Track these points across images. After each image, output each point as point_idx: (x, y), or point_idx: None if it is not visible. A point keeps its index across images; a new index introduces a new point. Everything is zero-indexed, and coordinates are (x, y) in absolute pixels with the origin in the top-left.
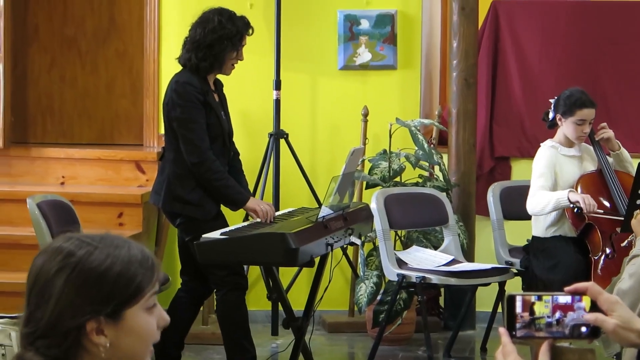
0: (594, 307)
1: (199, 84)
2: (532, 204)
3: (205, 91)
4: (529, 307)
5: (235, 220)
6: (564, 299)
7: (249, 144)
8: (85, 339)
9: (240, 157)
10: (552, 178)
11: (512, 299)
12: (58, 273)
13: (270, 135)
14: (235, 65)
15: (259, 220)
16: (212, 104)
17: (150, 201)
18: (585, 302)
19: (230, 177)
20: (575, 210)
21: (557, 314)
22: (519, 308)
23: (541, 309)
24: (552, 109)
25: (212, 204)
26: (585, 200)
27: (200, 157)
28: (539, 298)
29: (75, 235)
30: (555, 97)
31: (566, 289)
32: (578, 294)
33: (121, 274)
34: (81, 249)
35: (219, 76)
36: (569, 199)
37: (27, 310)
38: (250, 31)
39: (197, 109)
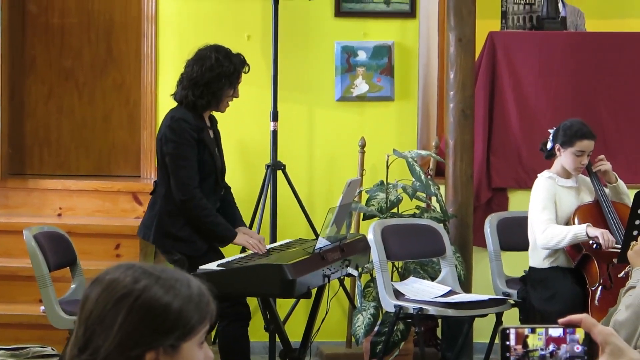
0: (588, 339)
1: (194, 121)
2: (547, 238)
3: (200, 128)
4: (522, 339)
5: (232, 251)
6: (558, 331)
7: (246, 175)
8: None
9: (237, 189)
10: (554, 210)
11: (505, 331)
12: (121, 301)
13: (268, 166)
14: (230, 102)
15: (255, 251)
16: (206, 141)
17: (138, 234)
18: (579, 334)
19: (218, 215)
20: (595, 246)
21: (551, 347)
22: (512, 341)
23: (535, 341)
24: (551, 139)
25: (202, 241)
26: (604, 236)
27: (187, 194)
28: (532, 331)
29: (137, 264)
30: (555, 127)
31: (560, 321)
32: (572, 326)
33: (183, 308)
34: (144, 278)
35: (214, 112)
36: (587, 234)
37: (83, 337)
38: (247, 69)
39: (190, 146)
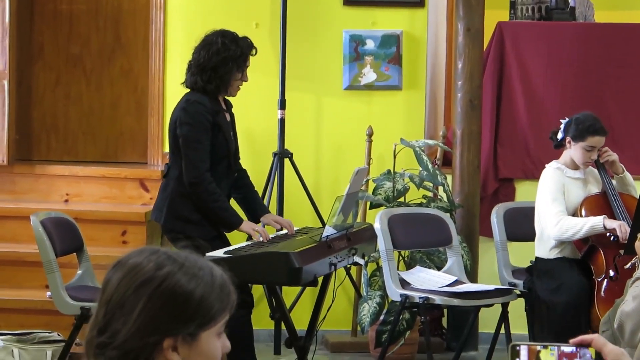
0: (599, 357)
1: (210, 104)
2: (561, 230)
3: (216, 111)
4: (535, 356)
5: (239, 239)
6: (570, 347)
7: (253, 163)
8: (159, 355)
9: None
10: (564, 201)
11: (515, 348)
12: (143, 287)
13: (275, 154)
14: (240, 87)
15: (261, 239)
16: (221, 125)
17: (151, 218)
18: (591, 351)
19: (226, 200)
20: (613, 238)
21: None
22: (524, 357)
23: (547, 357)
24: (563, 130)
25: (211, 226)
26: (622, 228)
27: (197, 177)
28: (545, 347)
29: (161, 249)
30: (567, 119)
31: (571, 341)
32: (583, 345)
33: (204, 297)
34: (168, 265)
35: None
36: (604, 226)
37: (103, 319)
38: (254, 51)
39: (204, 129)
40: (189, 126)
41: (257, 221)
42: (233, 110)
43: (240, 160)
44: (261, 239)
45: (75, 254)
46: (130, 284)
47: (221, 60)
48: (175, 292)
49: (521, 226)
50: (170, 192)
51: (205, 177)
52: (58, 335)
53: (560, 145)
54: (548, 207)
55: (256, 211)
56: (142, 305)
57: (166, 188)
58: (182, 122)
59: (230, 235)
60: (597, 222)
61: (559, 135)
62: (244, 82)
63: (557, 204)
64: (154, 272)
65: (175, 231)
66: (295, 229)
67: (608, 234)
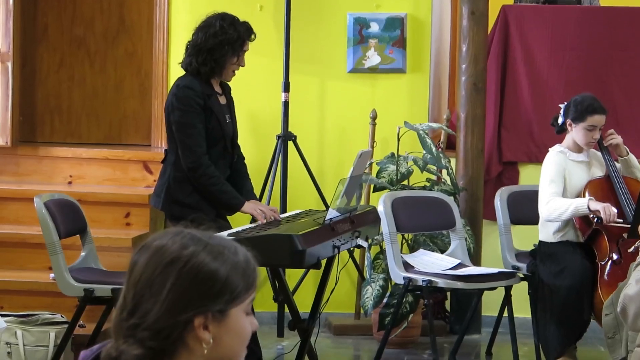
0: None
1: (201, 88)
2: (549, 211)
3: (207, 95)
4: None
5: (242, 221)
6: None
7: (257, 146)
8: (190, 335)
9: (248, 159)
10: (562, 184)
11: None
12: (170, 266)
13: (278, 137)
14: (236, 71)
15: (265, 221)
16: (213, 108)
17: (150, 203)
18: None
19: (226, 182)
20: (596, 220)
21: None
22: None
23: None
24: (562, 114)
25: (210, 208)
26: (605, 210)
27: (195, 161)
28: None
29: (185, 230)
30: (565, 102)
31: None
32: None
33: (230, 275)
34: (193, 245)
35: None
36: (588, 207)
37: (132, 301)
38: (253, 37)
39: (196, 113)
40: (180, 112)
41: None
42: (236, 92)
43: (240, 146)
44: (265, 220)
45: (78, 235)
46: (157, 264)
47: (217, 43)
48: (201, 270)
49: (525, 210)
50: (167, 177)
51: (203, 160)
52: (61, 317)
53: (562, 130)
54: (544, 188)
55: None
56: (170, 284)
57: (164, 174)
58: (174, 108)
59: (235, 218)
60: (582, 203)
61: (560, 120)
62: (244, 66)
63: (554, 185)
64: (180, 251)
65: (174, 215)
66: (298, 211)
67: (592, 216)
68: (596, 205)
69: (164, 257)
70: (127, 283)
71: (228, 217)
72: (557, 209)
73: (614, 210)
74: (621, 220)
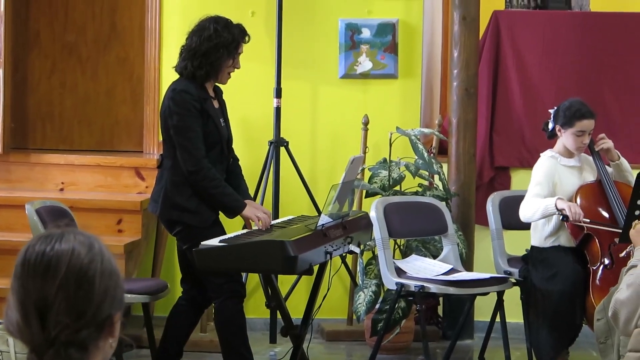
0: None
1: (196, 92)
2: (523, 210)
3: (203, 99)
4: None
5: (234, 227)
6: None
7: (249, 152)
8: (106, 332)
9: (240, 165)
10: (548, 187)
11: None
12: (92, 263)
13: (271, 143)
14: (231, 74)
15: (257, 227)
16: (209, 112)
17: (148, 209)
18: None
19: (227, 185)
20: (562, 218)
21: None
22: None
23: None
24: (552, 119)
25: (210, 212)
26: (571, 208)
27: (196, 165)
28: None
29: (69, 229)
30: (555, 108)
31: None
32: None
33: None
34: (95, 240)
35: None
36: (555, 205)
37: (65, 302)
38: (247, 39)
39: (194, 117)
40: (179, 115)
41: None
42: (228, 98)
43: (233, 149)
44: (261, 226)
45: None
46: (81, 260)
47: (212, 46)
48: (111, 264)
49: (517, 215)
50: (164, 182)
51: (203, 164)
52: None
53: (553, 136)
54: (529, 190)
55: None
56: (98, 280)
57: (161, 179)
58: (172, 112)
59: (227, 223)
60: (550, 202)
61: (550, 126)
62: (236, 70)
63: (538, 188)
64: (93, 247)
65: (172, 220)
66: (290, 217)
67: (558, 213)
68: (562, 204)
69: (84, 253)
70: (54, 283)
71: (222, 223)
72: (530, 208)
73: (579, 209)
74: (588, 220)
